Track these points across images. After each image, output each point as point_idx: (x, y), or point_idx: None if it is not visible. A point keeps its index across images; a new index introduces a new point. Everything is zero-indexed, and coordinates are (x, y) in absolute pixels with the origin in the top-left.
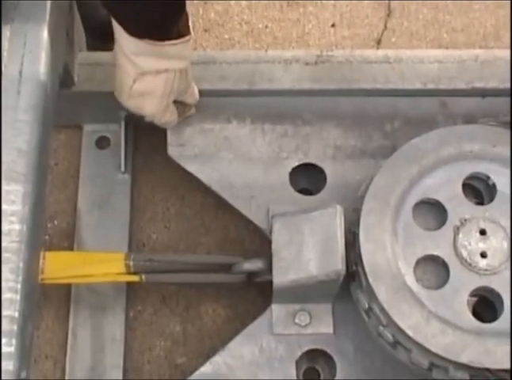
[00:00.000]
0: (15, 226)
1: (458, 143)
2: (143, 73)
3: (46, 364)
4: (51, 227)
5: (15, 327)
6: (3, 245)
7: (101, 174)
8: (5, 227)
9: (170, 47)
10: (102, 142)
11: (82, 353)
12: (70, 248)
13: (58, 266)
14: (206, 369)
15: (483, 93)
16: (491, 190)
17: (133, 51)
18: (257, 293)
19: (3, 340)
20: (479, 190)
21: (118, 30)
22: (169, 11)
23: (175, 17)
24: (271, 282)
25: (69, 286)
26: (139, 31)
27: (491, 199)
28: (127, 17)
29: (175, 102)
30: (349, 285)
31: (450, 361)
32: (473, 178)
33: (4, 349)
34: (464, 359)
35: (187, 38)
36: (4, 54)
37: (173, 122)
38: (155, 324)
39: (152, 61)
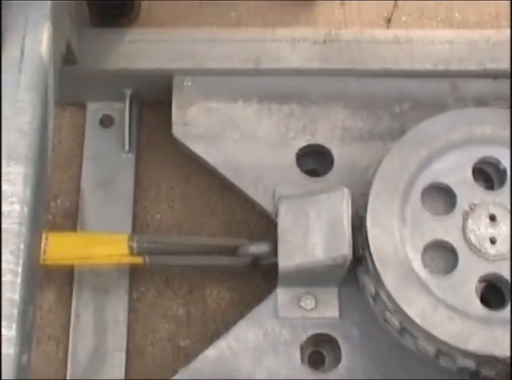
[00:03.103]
0: (15, 208)
1: (468, 126)
2: None
3: (48, 345)
4: (54, 207)
5: (15, 310)
6: (3, 226)
7: (104, 153)
8: (5, 208)
9: None
10: (106, 121)
11: (85, 335)
12: (74, 228)
13: (60, 247)
14: (210, 352)
15: (495, 75)
16: (502, 175)
17: None
18: (263, 276)
19: (3, 324)
20: (489, 174)
21: None
22: None
23: None
24: (276, 265)
25: (72, 267)
26: None
27: (502, 184)
28: None
29: None
30: (355, 269)
31: (457, 349)
32: (483, 162)
33: (4, 333)
34: (471, 346)
35: None
36: (5, 32)
37: None
38: (159, 306)
39: None
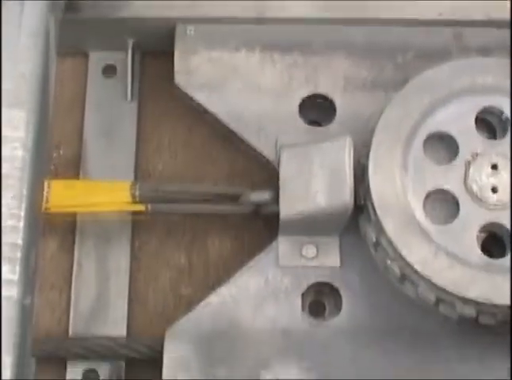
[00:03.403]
0: (18, 153)
1: (472, 76)
2: None
3: (51, 294)
4: (57, 157)
5: (18, 254)
6: (5, 171)
7: (107, 102)
8: (7, 154)
9: None
10: (109, 71)
11: (87, 283)
12: (76, 178)
13: (63, 195)
14: (211, 300)
15: (500, 25)
16: (505, 124)
17: None
18: (264, 225)
19: (6, 267)
20: (492, 124)
21: None
22: None
23: None
24: (278, 214)
25: (74, 216)
26: None
27: (504, 134)
28: None
29: None
30: (357, 219)
31: (457, 296)
32: (486, 112)
33: (7, 276)
34: (471, 294)
35: None
36: None
37: None
38: (161, 255)
39: None
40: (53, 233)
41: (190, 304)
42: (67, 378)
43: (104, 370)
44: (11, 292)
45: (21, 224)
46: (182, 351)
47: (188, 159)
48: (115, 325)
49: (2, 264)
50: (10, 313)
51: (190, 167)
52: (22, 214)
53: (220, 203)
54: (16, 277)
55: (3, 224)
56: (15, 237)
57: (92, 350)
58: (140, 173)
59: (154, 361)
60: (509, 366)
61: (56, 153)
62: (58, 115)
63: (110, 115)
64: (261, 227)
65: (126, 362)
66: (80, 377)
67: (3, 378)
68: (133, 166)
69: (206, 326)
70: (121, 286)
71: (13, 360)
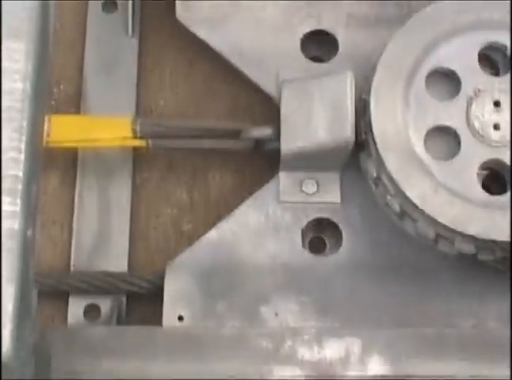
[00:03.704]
0: (18, 85)
1: (476, 11)
2: None
3: (53, 229)
4: (57, 92)
5: (19, 186)
6: (6, 103)
7: (107, 38)
8: (8, 85)
9: None
10: (109, 6)
11: (89, 218)
12: (77, 114)
13: (63, 129)
14: (211, 235)
15: None
16: (508, 61)
17: None
18: (265, 161)
19: (7, 199)
20: (495, 61)
21: None
22: None
23: None
24: (279, 150)
25: (75, 151)
26: None
27: (508, 71)
28: None
29: None
30: (357, 155)
31: (457, 232)
32: (490, 48)
33: (9, 208)
34: (471, 230)
35: None
36: None
37: None
38: (162, 191)
39: None
40: (54, 168)
41: (191, 240)
42: (69, 312)
43: (105, 304)
44: (12, 224)
45: (22, 156)
46: (183, 286)
47: (189, 95)
48: (116, 260)
49: (4, 195)
50: (11, 244)
51: (191, 102)
52: (23, 146)
53: (221, 139)
54: (17, 209)
55: (4, 156)
56: (16, 169)
57: (93, 284)
58: (141, 109)
59: (155, 295)
60: (508, 304)
61: (57, 88)
62: (58, 51)
63: (111, 50)
64: (262, 163)
65: (127, 297)
66: (82, 311)
67: (5, 309)
68: (134, 102)
69: (206, 261)
70: (122, 221)
71: (15, 291)
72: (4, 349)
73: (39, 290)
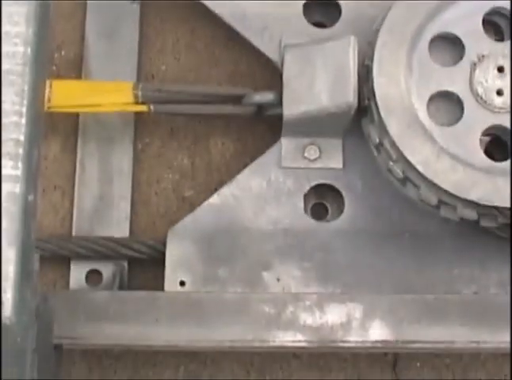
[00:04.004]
0: (19, 49)
1: None
2: None
3: (54, 195)
4: (58, 57)
5: (21, 150)
6: (7, 67)
7: (109, 3)
8: (8, 49)
9: None
10: None
11: (90, 184)
12: (78, 79)
13: (65, 95)
14: (213, 200)
15: None
16: None
17: None
18: (267, 128)
19: (9, 163)
20: (499, 26)
21: None
22: None
23: None
24: (281, 117)
25: (76, 117)
26: None
27: None
28: None
29: None
30: (360, 120)
31: (459, 198)
32: (494, 13)
33: (10, 172)
34: (473, 196)
35: None
36: None
37: None
38: (163, 156)
39: None
40: (56, 134)
41: (193, 206)
42: (71, 277)
43: (107, 270)
44: (13, 188)
45: (24, 120)
46: (184, 251)
47: (191, 60)
48: (118, 226)
49: (5, 159)
50: (13, 208)
51: (193, 68)
52: (24, 110)
53: (223, 104)
54: (19, 173)
55: (6, 120)
56: (17, 133)
57: (94, 250)
58: (143, 75)
59: (157, 261)
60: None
61: (58, 54)
62: (60, 17)
63: (112, 16)
64: (264, 130)
65: (129, 263)
66: (83, 277)
67: (6, 270)
68: (136, 68)
69: (208, 226)
70: (124, 187)
71: (16, 255)
72: (6, 313)
73: (40, 255)
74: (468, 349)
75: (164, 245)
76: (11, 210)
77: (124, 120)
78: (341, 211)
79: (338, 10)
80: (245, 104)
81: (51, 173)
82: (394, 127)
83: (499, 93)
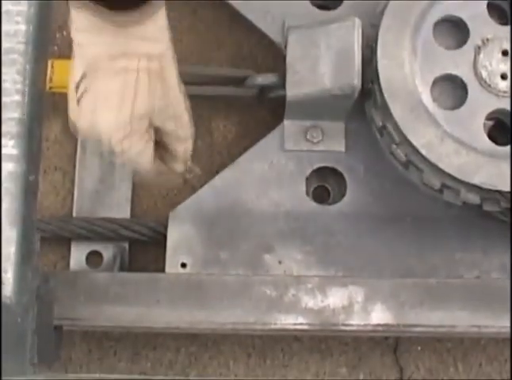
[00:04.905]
0: (21, 27)
1: None
2: (96, 68)
3: (55, 175)
4: (60, 38)
5: (22, 130)
6: (8, 45)
7: None
8: (10, 28)
9: (138, 26)
10: None
11: (91, 166)
12: None
13: (67, 75)
14: (215, 183)
15: None
16: None
17: (79, 25)
18: (269, 111)
19: (10, 142)
20: (504, 10)
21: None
22: None
23: None
24: (283, 99)
25: None
26: None
27: None
28: None
29: (160, 144)
30: (363, 104)
31: (462, 182)
32: None
33: (11, 151)
34: (476, 180)
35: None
36: None
37: (147, 158)
38: None
39: (107, 44)
40: (57, 115)
41: (195, 188)
42: (71, 258)
43: (107, 251)
44: (14, 167)
45: (26, 99)
46: (186, 233)
47: (193, 43)
48: (119, 208)
49: (6, 138)
50: (14, 188)
51: (196, 51)
52: (26, 89)
53: (225, 86)
54: (19, 152)
55: (7, 99)
56: (20, 112)
57: (95, 231)
58: None
59: (158, 242)
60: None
61: (59, 34)
62: None
63: None
64: (266, 113)
65: (130, 244)
66: (84, 258)
67: (7, 251)
68: None
69: (210, 209)
70: (125, 169)
71: (17, 235)
72: (6, 293)
73: (41, 236)
74: (469, 333)
75: (165, 226)
76: (12, 190)
77: None
78: (343, 195)
79: None
80: (247, 86)
81: (52, 154)
82: (397, 111)
83: (503, 76)
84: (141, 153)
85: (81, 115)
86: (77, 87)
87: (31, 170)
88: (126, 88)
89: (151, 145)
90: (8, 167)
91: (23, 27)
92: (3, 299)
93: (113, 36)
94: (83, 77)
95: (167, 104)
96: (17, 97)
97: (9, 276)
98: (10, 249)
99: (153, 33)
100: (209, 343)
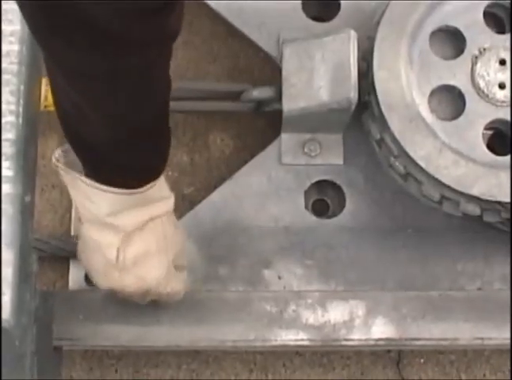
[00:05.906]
0: (14, 47)
1: None
2: (129, 234)
3: (53, 193)
4: None
5: (17, 151)
6: (2, 66)
7: None
8: (4, 48)
9: (151, 189)
10: None
11: None
12: None
13: None
14: (214, 198)
15: None
16: None
17: (108, 210)
18: (267, 124)
19: (5, 164)
20: (501, 19)
21: (83, 191)
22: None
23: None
24: (281, 112)
25: None
26: (112, 177)
27: None
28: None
29: None
30: (360, 116)
31: (461, 193)
32: (495, 6)
33: (6, 173)
34: (475, 191)
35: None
36: None
37: (180, 291)
38: None
39: (134, 214)
40: (53, 133)
41: (193, 203)
42: (70, 277)
43: None
44: (11, 189)
45: (20, 120)
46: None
47: (189, 56)
48: None
49: (2, 160)
50: (10, 209)
51: (191, 64)
52: (21, 110)
53: (222, 101)
54: (15, 173)
55: (3, 120)
56: (14, 132)
57: None
58: None
59: None
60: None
61: None
62: None
63: None
64: (263, 126)
65: None
66: (83, 276)
67: (5, 272)
68: None
69: (208, 224)
70: None
71: (15, 257)
72: (4, 316)
73: (40, 255)
74: (472, 346)
75: None
76: (9, 211)
77: None
78: (342, 208)
79: (336, 4)
80: (244, 100)
81: (49, 172)
82: (395, 122)
83: (501, 86)
84: (175, 285)
85: (125, 274)
86: (117, 253)
87: (26, 191)
88: (158, 241)
89: (177, 273)
90: (4, 188)
91: (16, 47)
92: (2, 322)
93: (141, 204)
94: (121, 248)
95: (181, 241)
96: (11, 118)
97: (6, 299)
98: (8, 271)
99: (165, 190)
100: (210, 360)
